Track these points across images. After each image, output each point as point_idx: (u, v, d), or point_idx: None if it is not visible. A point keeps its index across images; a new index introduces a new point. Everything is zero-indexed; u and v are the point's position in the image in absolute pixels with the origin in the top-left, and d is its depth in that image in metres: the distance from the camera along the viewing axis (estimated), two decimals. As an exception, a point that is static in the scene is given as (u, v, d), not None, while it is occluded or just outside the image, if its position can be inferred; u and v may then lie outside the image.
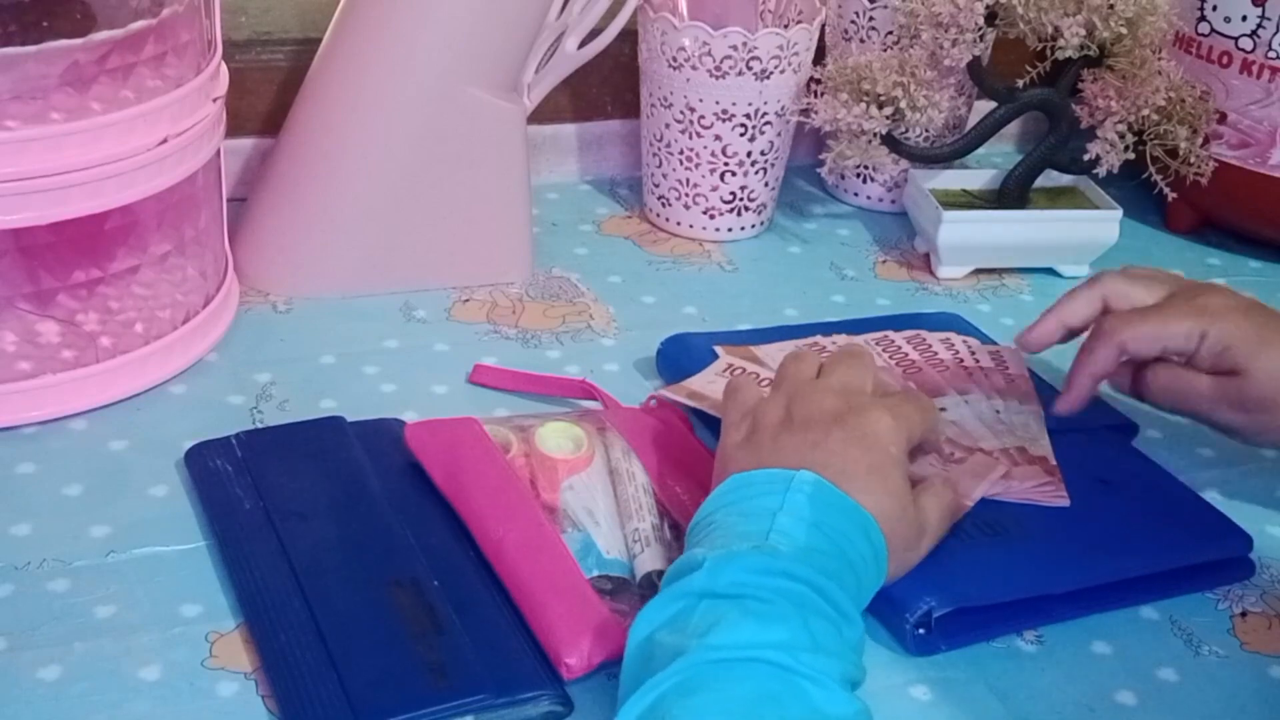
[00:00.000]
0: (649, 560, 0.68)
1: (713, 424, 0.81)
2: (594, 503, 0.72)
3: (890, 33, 1.07)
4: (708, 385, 0.82)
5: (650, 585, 0.67)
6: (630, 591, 0.67)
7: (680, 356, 0.88)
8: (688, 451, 0.78)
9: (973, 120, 1.08)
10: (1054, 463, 0.77)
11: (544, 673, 0.63)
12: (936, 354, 0.87)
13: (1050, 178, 1.07)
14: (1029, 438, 0.79)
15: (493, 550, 0.69)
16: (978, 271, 1.05)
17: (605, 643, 0.63)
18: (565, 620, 0.64)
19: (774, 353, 0.86)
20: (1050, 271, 1.06)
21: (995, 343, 0.91)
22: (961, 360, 0.86)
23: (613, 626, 0.64)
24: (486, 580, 0.68)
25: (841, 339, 0.88)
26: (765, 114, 1.02)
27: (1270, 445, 0.76)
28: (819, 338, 0.89)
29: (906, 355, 0.87)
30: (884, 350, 0.87)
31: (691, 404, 0.80)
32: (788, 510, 0.61)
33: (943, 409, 0.79)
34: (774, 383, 0.71)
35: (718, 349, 0.86)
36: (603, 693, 0.63)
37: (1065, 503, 0.74)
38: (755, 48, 0.99)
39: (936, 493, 0.68)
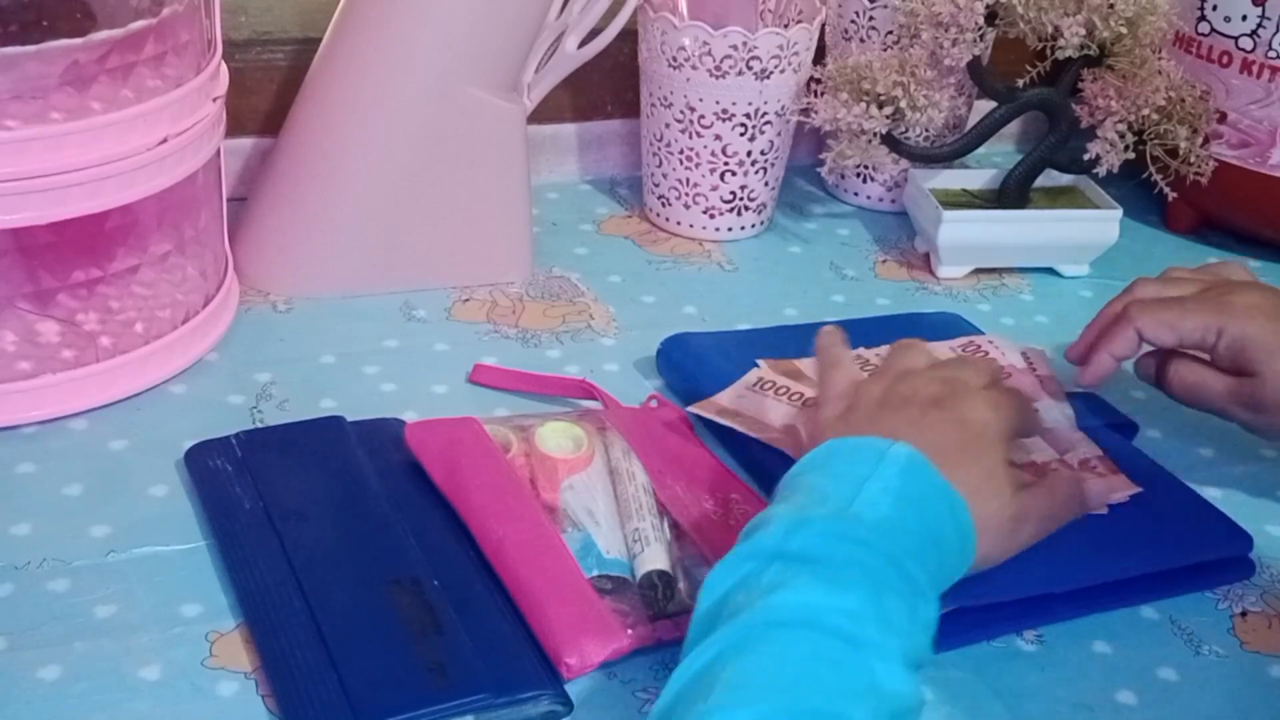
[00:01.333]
0: (649, 560, 0.68)
1: (715, 427, 0.81)
2: (594, 502, 0.72)
3: (890, 32, 1.07)
4: (738, 400, 0.81)
5: (650, 585, 0.67)
6: (630, 591, 0.67)
7: (680, 356, 0.88)
8: (688, 451, 0.78)
9: (973, 120, 1.08)
10: (1108, 459, 0.77)
11: (544, 672, 0.63)
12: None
13: (1050, 177, 1.07)
14: (1072, 442, 0.79)
15: (493, 550, 0.69)
16: (978, 271, 1.05)
17: (605, 642, 0.63)
18: (565, 620, 0.64)
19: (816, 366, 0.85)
20: (1050, 271, 1.06)
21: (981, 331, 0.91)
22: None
23: (613, 626, 0.64)
24: (486, 580, 0.68)
25: (885, 350, 0.87)
26: (765, 114, 1.02)
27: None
28: (862, 350, 0.87)
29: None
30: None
31: (723, 421, 0.79)
32: (877, 479, 0.60)
33: None
34: (880, 367, 0.71)
35: (760, 361, 0.85)
36: (603, 693, 0.63)
37: (1137, 490, 0.75)
38: (755, 47, 0.99)
39: (1050, 487, 0.67)
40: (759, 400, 0.81)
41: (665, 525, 0.71)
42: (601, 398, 0.82)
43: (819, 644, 0.52)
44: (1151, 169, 1.01)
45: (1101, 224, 1.04)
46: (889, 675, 0.52)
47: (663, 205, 1.07)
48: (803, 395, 0.81)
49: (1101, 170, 1.01)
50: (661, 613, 0.66)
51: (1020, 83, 1.02)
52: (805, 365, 0.85)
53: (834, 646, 0.52)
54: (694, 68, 1.00)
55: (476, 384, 0.86)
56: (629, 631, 0.64)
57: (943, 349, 0.87)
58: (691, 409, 0.81)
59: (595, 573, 0.68)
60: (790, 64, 1.01)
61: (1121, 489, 0.75)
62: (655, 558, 0.68)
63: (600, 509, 0.72)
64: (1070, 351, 0.80)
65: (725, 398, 0.82)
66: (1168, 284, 0.79)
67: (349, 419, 0.79)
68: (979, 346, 0.88)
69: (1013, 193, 1.05)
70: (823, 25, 1.06)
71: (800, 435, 0.77)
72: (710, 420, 0.80)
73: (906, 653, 0.54)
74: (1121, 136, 0.99)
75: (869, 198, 1.15)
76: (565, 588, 0.66)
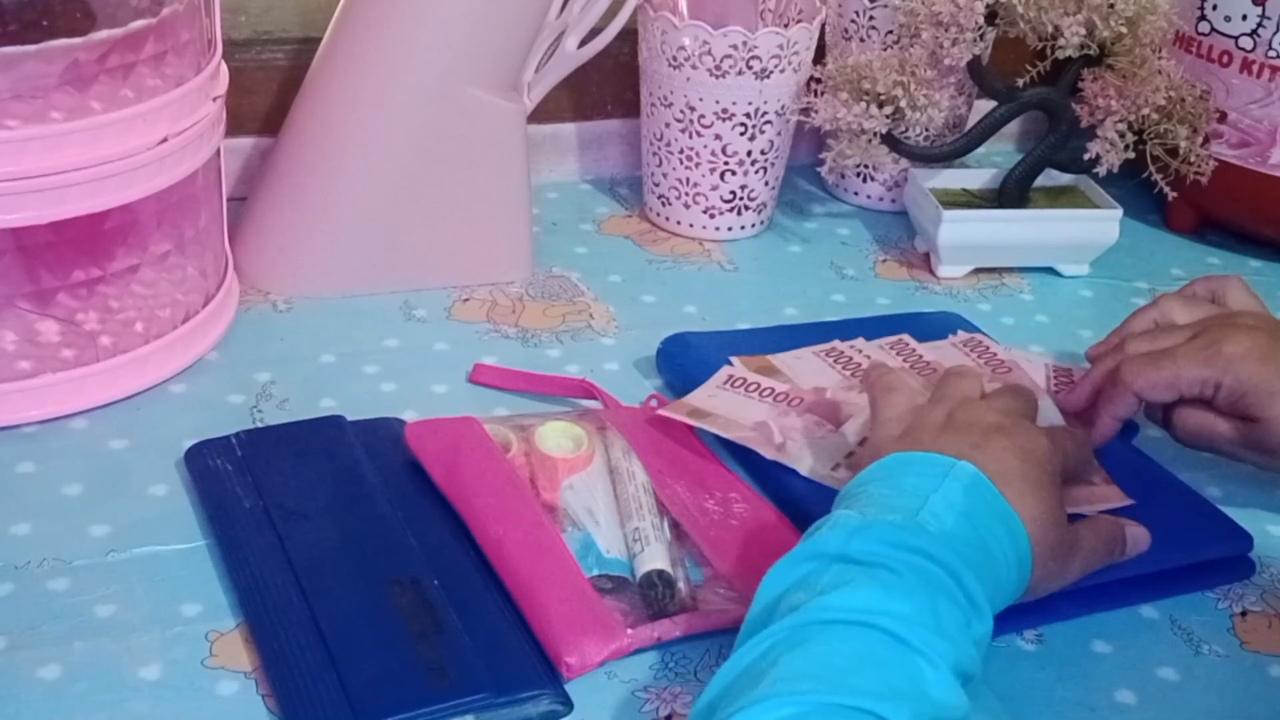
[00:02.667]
0: (649, 559, 0.68)
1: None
2: (594, 502, 0.72)
3: (890, 32, 1.07)
4: (708, 400, 0.81)
5: (650, 584, 0.67)
6: (630, 590, 0.67)
7: (680, 356, 0.87)
8: (688, 450, 0.78)
9: (973, 119, 1.08)
10: (1103, 470, 0.77)
11: (544, 672, 0.63)
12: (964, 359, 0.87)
13: (1050, 177, 1.07)
14: None
15: (492, 549, 0.69)
16: (978, 271, 1.05)
17: (605, 642, 0.63)
18: (565, 619, 0.64)
19: (790, 361, 0.85)
20: (1050, 271, 1.06)
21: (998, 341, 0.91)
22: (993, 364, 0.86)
23: (613, 626, 0.64)
24: (486, 579, 0.68)
25: (860, 343, 0.88)
26: (765, 113, 1.02)
27: None
28: (837, 342, 0.88)
29: (928, 363, 0.86)
30: (902, 357, 0.86)
31: (692, 422, 0.79)
32: (942, 494, 0.60)
33: None
34: (935, 394, 0.71)
35: (733, 359, 0.85)
36: (603, 692, 0.63)
37: (1129, 502, 0.75)
38: (755, 47, 0.99)
39: (1096, 524, 0.68)
40: (730, 398, 0.81)
41: (665, 525, 0.71)
42: (601, 397, 0.82)
43: (870, 642, 0.53)
44: (1151, 168, 1.01)
45: (1101, 224, 1.04)
46: (937, 681, 0.52)
47: (663, 205, 1.07)
48: (773, 391, 0.81)
49: (1101, 170, 1.01)
50: (662, 612, 0.66)
51: (1020, 82, 1.02)
52: (778, 360, 0.85)
53: (885, 646, 0.53)
54: (694, 67, 1.00)
55: (476, 384, 0.86)
56: (629, 631, 0.64)
57: (921, 349, 0.87)
58: (661, 410, 0.80)
59: (595, 572, 0.68)
60: (790, 63, 1.01)
61: (1115, 500, 0.75)
62: (655, 557, 0.68)
63: (600, 508, 0.72)
64: (1072, 401, 0.79)
65: (696, 397, 0.81)
66: (1157, 335, 0.78)
67: (349, 418, 0.79)
68: (988, 348, 0.88)
69: (1013, 192, 1.05)
70: (823, 25, 1.06)
71: (772, 432, 0.78)
72: (683, 422, 0.80)
73: (957, 662, 0.54)
74: (1121, 136, 0.99)
75: (869, 197, 1.15)
76: (565, 587, 0.66)
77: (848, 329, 0.92)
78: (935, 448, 0.64)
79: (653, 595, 0.67)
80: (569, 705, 0.62)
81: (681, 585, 0.68)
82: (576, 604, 0.65)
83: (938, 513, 0.59)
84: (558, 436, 0.76)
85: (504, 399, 0.85)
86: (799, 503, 0.74)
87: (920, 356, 0.86)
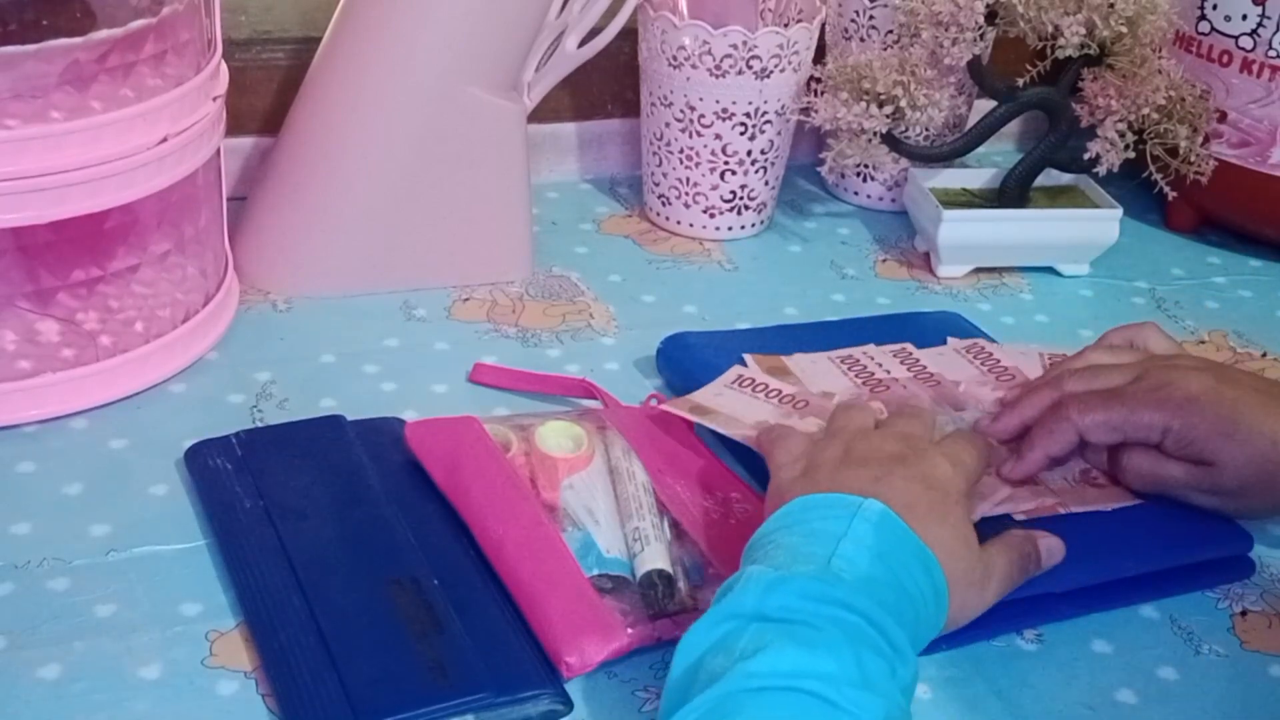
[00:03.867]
0: (649, 559, 0.68)
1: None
2: (594, 501, 0.72)
3: (890, 31, 1.07)
4: (714, 398, 0.81)
5: (650, 584, 0.67)
6: (630, 590, 0.67)
7: (680, 355, 0.88)
8: (688, 450, 0.78)
9: (973, 119, 1.08)
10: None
11: (544, 671, 0.63)
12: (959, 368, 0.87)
13: (1050, 177, 1.07)
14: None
15: (493, 549, 0.69)
16: (978, 270, 1.05)
17: (605, 642, 0.63)
18: (565, 619, 0.64)
19: (805, 364, 0.85)
20: (1050, 270, 1.06)
21: (995, 340, 0.91)
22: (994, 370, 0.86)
23: (613, 625, 0.64)
24: (486, 579, 0.68)
25: (871, 349, 0.87)
26: (765, 113, 1.02)
27: (1252, 518, 0.76)
28: (852, 350, 0.87)
29: (926, 368, 0.86)
30: (902, 362, 0.86)
31: (693, 418, 0.79)
32: (852, 537, 0.59)
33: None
34: (828, 430, 0.71)
35: (746, 358, 0.85)
36: (603, 692, 0.63)
37: (1137, 501, 0.74)
38: (755, 46, 0.99)
39: (1007, 542, 0.67)
40: (737, 397, 0.81)
41: (665, 524, 0.71)
42: (602, 397, 0.82)
43: (799, 709, 0.51)
44: (1151, 168, 1.01)
45: (1101, 223, 1.04)
46: None
47: (663, 204, 1.07)
48: (780, 393, 0.81)
49: (1101, 169, 1.01)
50: (661, 612, 0.66)
51: (1020, 82, 1.02)
52: (791, 362, 0.85)
53: (815, 711, 0.51)
54: (694, 67, 1.00)
55: (476, 383, 0.86)
56: (629, 630, 0.64)
57: (964, 364, 0.87)
58: (664, 405, 0.80)
59: (595, 572, 0.68)
60: (790, 63, 1.01)
61: (1122, 500, 0.75)
62: (655, 557, 0.68)
63: (600, 508, 0.72)
64: (997, 430, 0.76)
65: (702, 395, 0.82)
66: (1098, 373, 0.76)
67: (349, 418, 0.79)
68: (990, 354, 0.88)
69: (1013, 192, 1.05)
70: (823, 24, 1.06)
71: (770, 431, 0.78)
72: (684, 418, 0.80)
73: (887, 715, 0.53)
74: (1121, 136, 0.99)
75: (869, 197, 1.15)
76: (565, 587, 0.66)
77: (848, 328, 0.92)
78: (836, 485, 0.63)
79: (653, 595, 0.67)
80: (569, 705, 0.62)
81: (681, 585, 0.68)
82: (577, 604, 0.65)
83: (850, 557, 0.58)
84: (558, 436, 0.76)
85: (504, 399, 0.85)
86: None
87: (924, 367, 0.86)
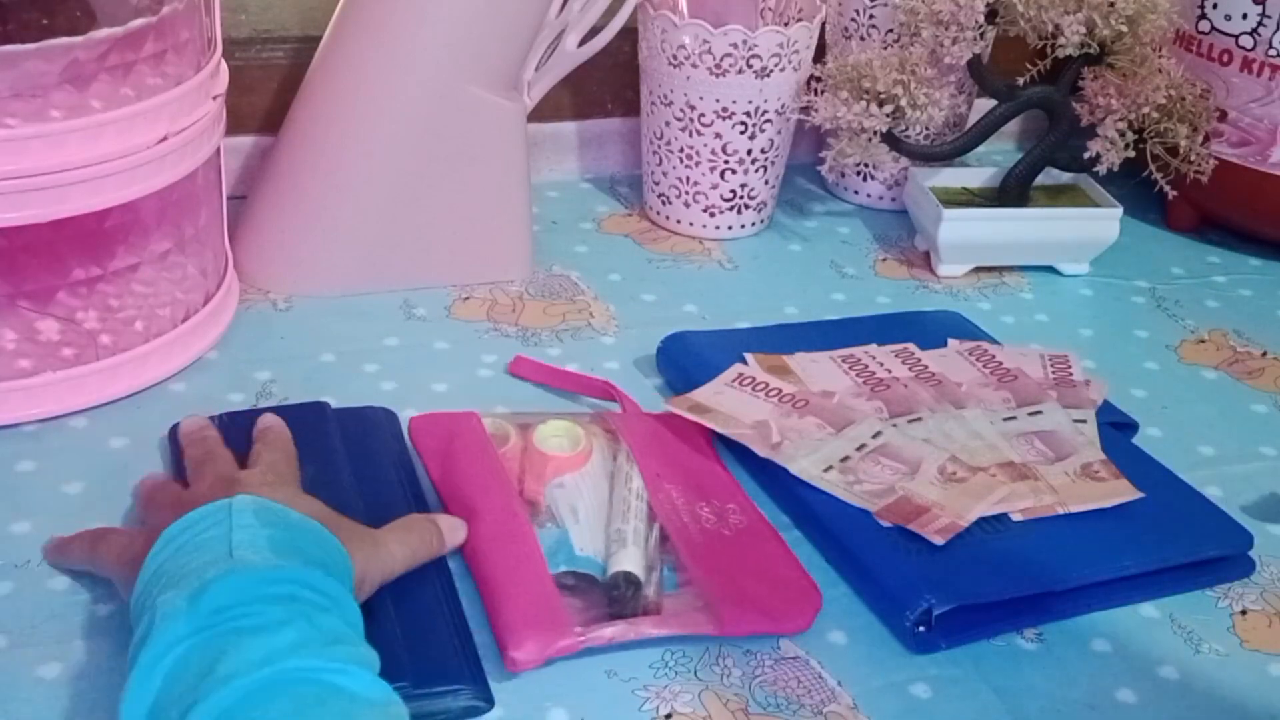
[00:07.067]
0: (621, 560, 0.68)
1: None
2: (580, 500, 0.72)
3: (890, 30, 1.07)
4: (713, 397, 0.81)
5: (615, 585, 0.67)
6: (595, 590, 0.67)
7: (680, 354, 0.88)
8: (696, 455, 0.77)
9: (973, 118, 1.08)
10: (1111, 463, 0.77)
11: (468, 667, 0.63)
12: (961, 366, 0.87)
13: (1051, 176, 1.07)
14: (1075, 446, 0.79)
15: (465, 540, 0.69)
16: (978, 269, 1.05)
17: (552, 639, 0.63)
18: (518, 614, 0.64)
19: (806, 363, 0.85)
20: (1050, 269, 1.06)
21: (997, 342, 0.91)
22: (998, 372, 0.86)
23: (562, 624, 0.64)
24: (441, 571, 0.68)
25: (873, 349, 0.87)
26: (765, 112, 1.02)
27: None
28: (854, 349, 0.87)
29: (927, 368, 0.86)
30: (903, 362, 0.86)
31: (692, 417, 0.79)
32: (239, 526, 0.59)
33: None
34: (190, 478, 0.70)
35: (747, 357, 0.85)
36: (603, 692, 0.63)
37: (1140, 495, 0.75)
38: (755, 45, 0.99)
39: (407, 524, 0.68)
40: (735, 396, 0.81)
41: (654, 530, 0.71)
42: (621, 400, 0.82)
43: (289, 692, 0.51)
44: (1152, 167, 1.01)
45: (1102, 222, 1.04)
46: (363, 685, 0.52)
47: (663, 203, 1.07)
48: (780, 392, 0.81)
49: (1102, 168, 1.01)
50: (622, 613, 0.66)
51: (1020, 81, 1.02)
52: (793, 361, 0.85)
53: (302, 686, 0.51)
54: (694, 66, 1.00)
55: (514, 375, 0.86)
56: (577, 629, 0.64)
57: (958, 359, 0.87)
58: (667, 404, 0.80)
59: (561, 569, 0.68)
60: (790, 62, 1.01)
61: (1125, 494, 0.75)
62: (627, 559, 0.68)
63: (584, 507, 0.72)
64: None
65: (702, 394, 0.82)
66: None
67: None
68: (992, 355, 0.88)
69: (1013, 191, 1.05)
70: (823, 23, 1.06)
71: (770, 431, 0.78)
72: (684, 417, 0.80)
73: (363, 658, 0.54)
74: (1122, 135, 0.99)
75: (869, 196, 1.15)
76: (525, 582, 0.66)
77: (848, 328, 0.92)
78: (194, 503, 0.62)
79: (616, 595, 0.66)
80: (490, 702, 0.62)
81: (650, 590, 0.67)
82: (532, 599, 0.65)
83: (248, 543, 0.58)
84: (556, 435, 0.76)
85: (504, 398, 0.85)
86: (798, 503, 0.75)
87: (925, 366, 0.86)
